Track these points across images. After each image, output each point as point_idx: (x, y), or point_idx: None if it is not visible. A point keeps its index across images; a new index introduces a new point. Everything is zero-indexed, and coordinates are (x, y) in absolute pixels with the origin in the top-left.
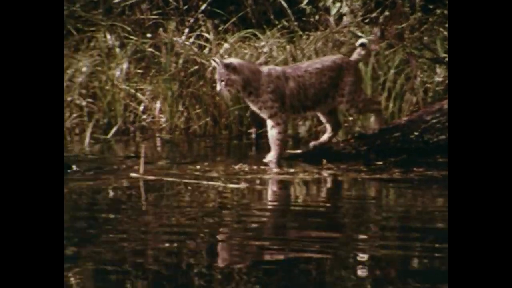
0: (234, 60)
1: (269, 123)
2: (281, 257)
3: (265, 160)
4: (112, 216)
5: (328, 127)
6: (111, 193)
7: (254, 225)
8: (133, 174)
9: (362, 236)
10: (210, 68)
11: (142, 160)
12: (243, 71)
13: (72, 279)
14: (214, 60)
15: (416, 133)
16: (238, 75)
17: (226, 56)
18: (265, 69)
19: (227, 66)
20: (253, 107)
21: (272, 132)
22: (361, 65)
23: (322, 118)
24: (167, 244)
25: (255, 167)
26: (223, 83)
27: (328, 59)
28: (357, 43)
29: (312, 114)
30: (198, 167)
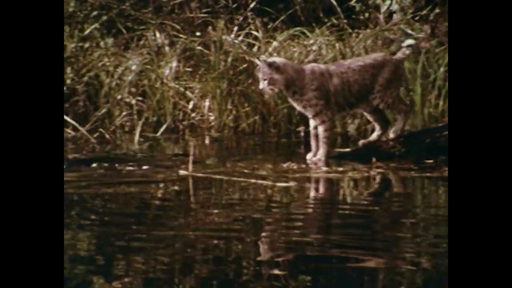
0: (277, 59)
1: (313, 122)
2: (327, 254)
3: (307, 159)
4: (160, 213)
5: (377, 125)
6: (160, 191)
7: (300, 223)
8: (182, 172)
9: (408, 235)
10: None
11: (191, 158)
12: (286, 70)
13: (121, 272)
14: (258, 59)
15: None
16: (281, 74)
17: (274, 54)
18: (308, 67)
19: (270, 65)
20: (297, 106)
21: (319, 131)
22: (409, 64)
23: (369, 117)
24: (215, 241)
25: (303, 166)
26: (265, 81)
27: (370, 57)
28: (404, 44)
29: (357, 111)
30: (246, 165)
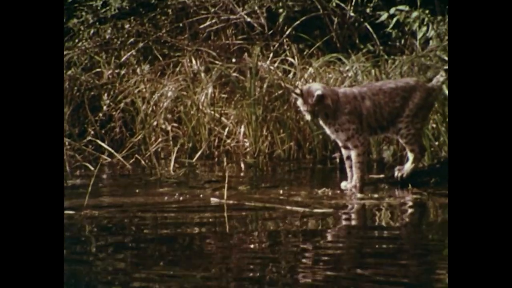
0: (319, 88)
1: (345, 151)
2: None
3: (342, 187)
4: (196, 241)
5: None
6: (193, 219)
7: (335, 251)
8: (214, 199)
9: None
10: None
11: (226, 186)
12: (329, 97)
13: None
14: (299, 91)
15: None
16: (326, 103)
17: (310, 80)
18: (341, 90)
19: (320, 97)
20: (328, 130)
21: (352, 156)
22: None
23: (402, 142)
24: (251, 268)
25: (338, 191)
26: (310, 112)
27: (402, 80)
28: (444, 67)
29: (389, 134)
30: (281, 191)
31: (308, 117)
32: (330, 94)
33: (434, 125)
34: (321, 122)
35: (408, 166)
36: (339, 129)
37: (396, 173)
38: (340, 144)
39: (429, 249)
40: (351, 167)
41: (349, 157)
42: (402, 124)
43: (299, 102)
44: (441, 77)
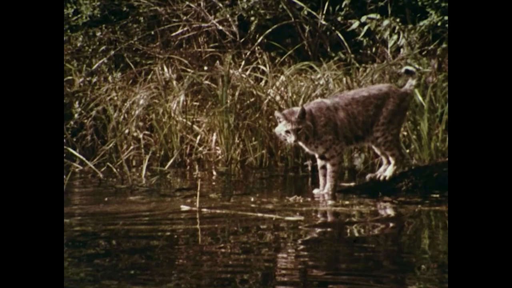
0: (303, 106)
1: (320, 161)
2: None
3: (314, 193)
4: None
5: (384, 159)
6: (164, 226)
7: (308, 256)
8: (184, 206)
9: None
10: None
11: (198, 193)
12: (308, 114)
13: None
14: (281, 114)
15: None
16: (309, 120)
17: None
18: (312, 104)
19: (303, 115)
20: (309, 148)
21: (327, 165)
22: (418, 99)
23: (377, 150)
24: (222, 277)
25: (309, 199)
26: (298, 132)
27: (375, 87)
28: (402, 70)
29: (364, 144)
30: (252, 198)
31: (292, 138)
32: (308, 112)
33: (405, 133)
34: (301, 143)
35: (390, 169)
36: (318, 143)
37: (378, 175)
38: (316, 155)
39: (400, 255)
40: (324, 175)
41: (324, 167)
42: (379, 133)
43: (282, 124)
44: (413, 80)
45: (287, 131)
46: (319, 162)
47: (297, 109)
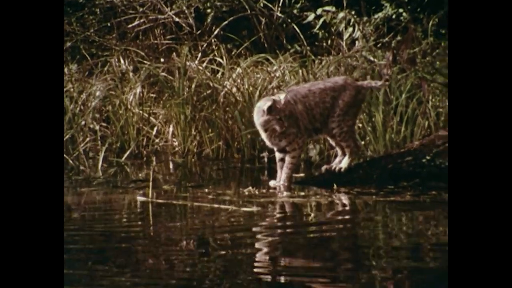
0: (268, 101)
1: (279, 154)
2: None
3: (271, 185)
4: (123, 243)
5: (339, 150)
6: (119, 217)
7: (263, 248)
8: (140, 198)
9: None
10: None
11: (150, 185)
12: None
13: None
14: (272, 100)
15: (428, 157)
16: (278, 113)
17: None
18: (275, 98)
19: (270, 110)
20: (272, 142)
21: (286, 158)
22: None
23: (332, 142)
24: (179, 269)
25: (264, 191)
26: (269, 131)
27: (331, 80)
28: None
29: (323, 136)
30: (209, 190)
31: (268, 140)
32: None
33: (360, 125)
34: (264, 137)
35: (345, 160)
36: (282, 137)
37: (333, 167)
38: (276, 148)
39: (356, 245)
40: (282, 167)
41: (282, 159)
42: (334, 124)
43: (273, 112)
44: (376, 84)
45: (279, 119)
46: (278, 155)
47: (268, 102)
